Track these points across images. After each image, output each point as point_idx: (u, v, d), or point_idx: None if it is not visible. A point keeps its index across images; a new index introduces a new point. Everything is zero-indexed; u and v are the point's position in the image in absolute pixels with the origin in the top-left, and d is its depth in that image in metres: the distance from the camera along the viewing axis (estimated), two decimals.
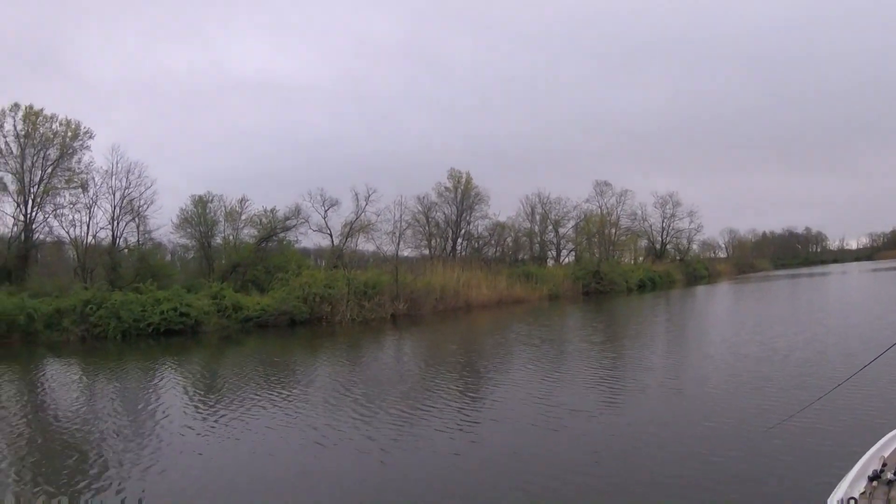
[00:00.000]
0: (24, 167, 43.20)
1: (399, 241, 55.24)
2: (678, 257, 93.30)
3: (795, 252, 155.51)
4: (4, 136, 43.12)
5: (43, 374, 23.95)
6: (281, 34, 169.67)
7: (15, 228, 43.89)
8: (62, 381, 22.54)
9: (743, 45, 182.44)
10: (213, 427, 14.16)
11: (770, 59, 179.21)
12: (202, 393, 19.09)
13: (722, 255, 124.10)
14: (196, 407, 16.52)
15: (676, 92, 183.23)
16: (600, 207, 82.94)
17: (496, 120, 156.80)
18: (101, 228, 45.58)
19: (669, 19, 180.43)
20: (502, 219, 71.09)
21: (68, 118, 45.12)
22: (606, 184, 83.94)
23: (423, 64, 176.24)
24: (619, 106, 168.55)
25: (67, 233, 45.14)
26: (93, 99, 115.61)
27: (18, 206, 43.50)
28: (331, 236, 56.43)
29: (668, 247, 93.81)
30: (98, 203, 45.27)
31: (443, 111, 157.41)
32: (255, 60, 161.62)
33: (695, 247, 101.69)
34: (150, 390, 19.56)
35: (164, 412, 15.86)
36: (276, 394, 17.56)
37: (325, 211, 55.37)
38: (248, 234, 55.82)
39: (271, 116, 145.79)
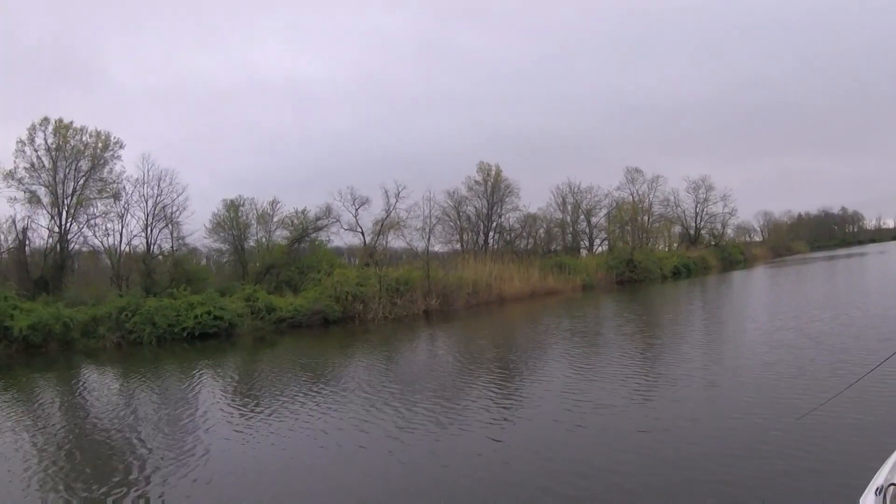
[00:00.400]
0: (57, 179, 43.92)
1: (429, 237, 55.08)
2: (713, 242, 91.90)
3: (832, 233, 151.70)
4: (36, 150, 43.86)
5: (79, 381, 24.35)
6: (300, 37, 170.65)
7: (50, 240, 44.78)
8: (98, 386, 22.95)
9: (768, 27, 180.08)
10: (241, 429, 14.31)
11: (797, 43, 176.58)
12: (234, 394, 19.29)
13: (757, 238, 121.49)
14: (225, 409, 16.70)
15: (700, 76, 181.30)
16: (632, 195, 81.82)
17: (519, 113, 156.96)
18: (134, 236, 46.40)
19: (687, 3, 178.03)
20: (533, 210, 70.68)
21: (98, 129, 45.72)
22: (637, 170, 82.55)
23: (441, 61, 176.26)
24: (642, 93, 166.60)
25: (101, 242, 46.08)
26: (120, 108, 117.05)
27: (53, 217, 44.29)
28: (362, 234, 56.71)
29: (702, 232, 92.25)
30: (131, 211, 46.14)
31: (464, 107, 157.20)
32: (276, 64, 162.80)
33: (729, 231, 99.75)
34: (184, 393, 19.91)
35: (194, 414, 16.12)
36: (307, 395, 17.63)
37: (356, 209, 55.59)
38: (281, 235, 56.32)
39: (295, 118, 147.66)
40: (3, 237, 44.79)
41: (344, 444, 12.44)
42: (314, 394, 17.69)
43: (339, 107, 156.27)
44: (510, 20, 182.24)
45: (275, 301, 38.39)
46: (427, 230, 54.81)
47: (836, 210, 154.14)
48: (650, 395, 14.75)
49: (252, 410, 16.31)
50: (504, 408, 14.76)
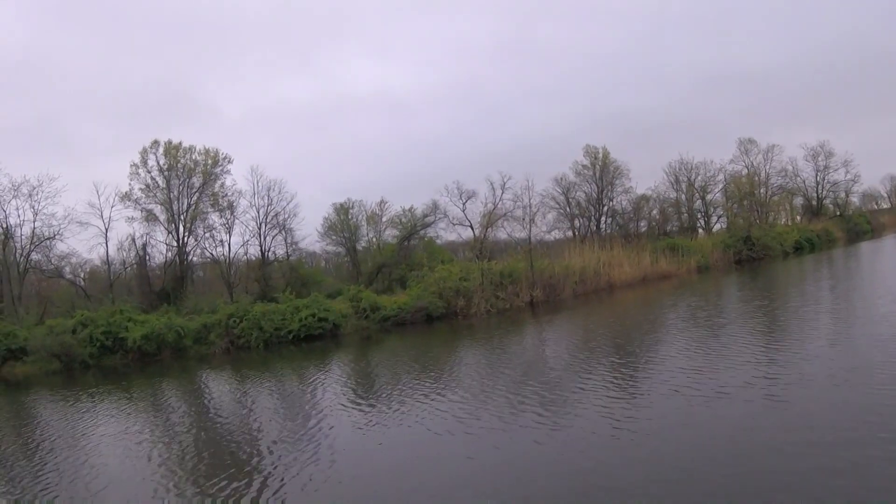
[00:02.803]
0: (172, 197, 46.35)
1: (530, 226, 54.13)
2: (837, 213, 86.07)
3: None
4: (149, 171, 46.69)
5: (196, 385, 25.92)
6: (386, 51, 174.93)
7: (169, 254, 47.36)
8: (215, 389, 24.37)
9: None
10: (363, 427, 14.84)
11: None
12: (350, 393, 19.68)
13: (885, 205, 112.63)
14: (344, 407, 17.16)
15: (789, 40, 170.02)
16: (747, 167, 77.30)
17: (616, 96, 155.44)
18: (248, 244, 48.56)
19: None
20: (643, 190, 67.52)
21: (206, 147, 48.25)
22: (751, 141, 76.94)
23: (524, 58, 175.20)
24: (736, 61, 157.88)
25: (212, 253, 48.54)
26: (225, 132, 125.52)
27: (170, 233, 46.96)
28: (471, 228, 56.77)
29: (825, 202, 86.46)
30: (244, 221, 48.38)
31: (556, 98, 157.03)
32: (366, 78, 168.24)
33: (854, 199, 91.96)
34: (300, 393, 20.80)
35: (314, 414, 16.67)
36: (421, 392, 17.69)
37: (464, 203, 55.63)
38: (391, 234, 57.44)
39: (390, 127, 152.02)
40: (125, 254, 47.64)
41: (469, 441, 12.56)
42: (429, 391, 17.72)
43: (430, 113, 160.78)
44: (586, 9, 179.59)
45: (379, 300, 38.85)
46: (528, 219, 54.09)
47: None
48: (767, 392, 13.50)
49: (371, 408, 16.60)
50: (624, 401, 14.22)
